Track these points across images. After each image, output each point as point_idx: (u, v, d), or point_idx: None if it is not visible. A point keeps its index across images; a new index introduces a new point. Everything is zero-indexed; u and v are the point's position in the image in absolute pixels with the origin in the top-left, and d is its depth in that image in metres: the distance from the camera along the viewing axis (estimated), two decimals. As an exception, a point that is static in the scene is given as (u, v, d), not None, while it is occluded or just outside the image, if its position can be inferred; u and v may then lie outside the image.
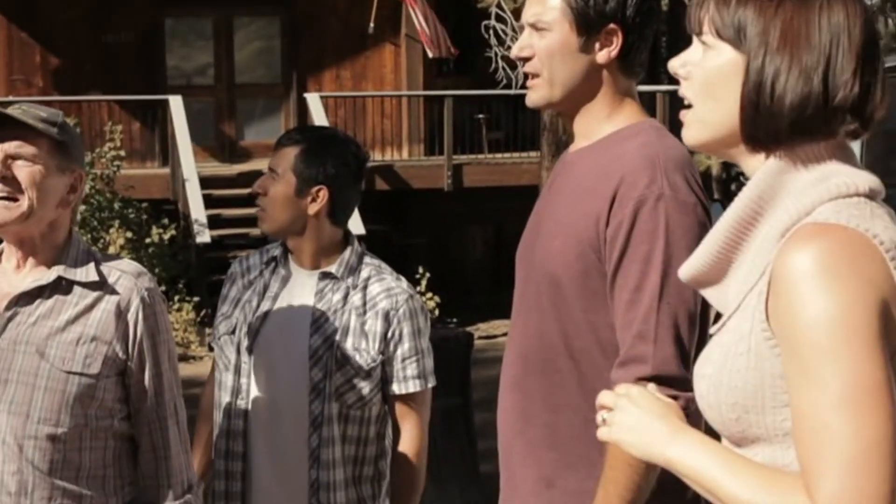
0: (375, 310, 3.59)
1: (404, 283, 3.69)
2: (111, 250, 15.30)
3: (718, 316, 2.04)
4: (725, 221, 1.98)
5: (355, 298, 3.60)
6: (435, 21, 17.69)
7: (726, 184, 23.62)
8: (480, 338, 14.93)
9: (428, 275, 17.48)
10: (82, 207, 15.30)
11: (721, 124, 1.98)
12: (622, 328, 2.72)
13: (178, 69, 20.31)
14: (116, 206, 15.88)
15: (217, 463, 3.64)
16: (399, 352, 3.60)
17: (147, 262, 15.59)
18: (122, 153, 16.44)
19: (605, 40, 2.85)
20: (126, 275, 3.04)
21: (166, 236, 15.91)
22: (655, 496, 2.71)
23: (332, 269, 3.63)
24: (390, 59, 20.07)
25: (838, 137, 1.93)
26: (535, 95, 2.93)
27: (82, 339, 2.99)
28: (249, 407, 3.61)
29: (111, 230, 15.46)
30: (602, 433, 2.08)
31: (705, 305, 2.78)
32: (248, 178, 17.58)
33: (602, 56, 2.86)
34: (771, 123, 1.91)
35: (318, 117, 17.83)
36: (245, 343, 3.61)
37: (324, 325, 3.57)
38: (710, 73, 1.98)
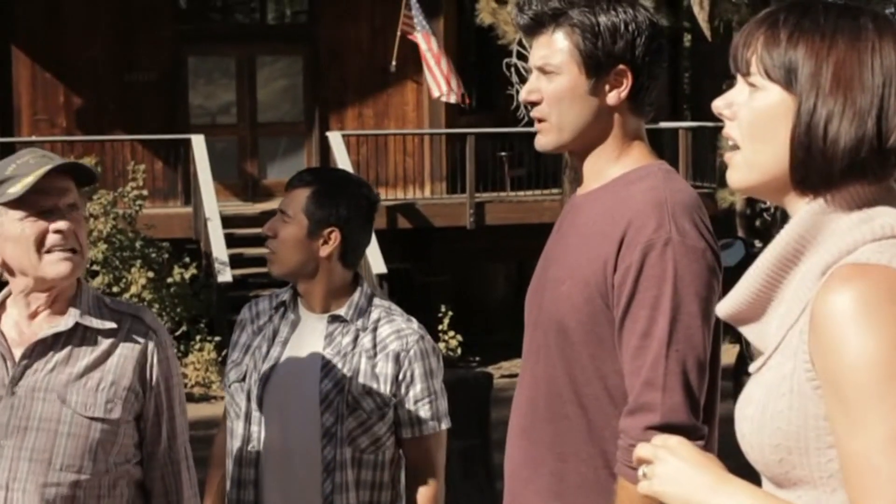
0: (386, 352, 3.55)
1: (415, 324, 3.64)
2: (133, 290, 15.33)
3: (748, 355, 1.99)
4: (766, 259, 1.94)
5: (365, 341, 3.56)
6: (448, 66, 17.69)
7: (751, 220, 23.57)
8: (503, 376, 14.89)
9: (451, 313, 17.46)
10: (104, 247, 15.34)
11: (769, 167, 1.93)
12: (630, 375, 2.67)
13: (201, 107, 20.39)
14: (138, 245, 15.91)
15: None
16: (411, 394, 3.55)
17: (168, 301, 15.61)
18: (145, 192, 16.47)
19: (615, 81, 2.80)
20: (139, 320, 3.07)
21: (188, 275, 15.92)
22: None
23: (342, 311, 3.58)
24: (412, 97, 20.11)
25: (884, 178, 1.89)
26: (545, 140, 2.88)
27: (102, 385, 2.98)
28: (261, 455, 3.56)
29: (132, 270, 15.49)
30: (643, 487, 2.04)
31: (716, 349, 2.73)
32: (271, 216, 17.57)
33: (612, 98, 2.81)
34: (823, 167, 1.87)
35: (340, 155, 17.86)
36: (255, 390, 3.56)
37: (334, 368, 3.53)
38: (758, 115, 1.93)
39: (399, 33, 18.15)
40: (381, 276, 15.90)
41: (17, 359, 2.95)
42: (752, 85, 1.94)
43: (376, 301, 3.66)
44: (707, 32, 19.60)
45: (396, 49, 18.25)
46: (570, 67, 2.80)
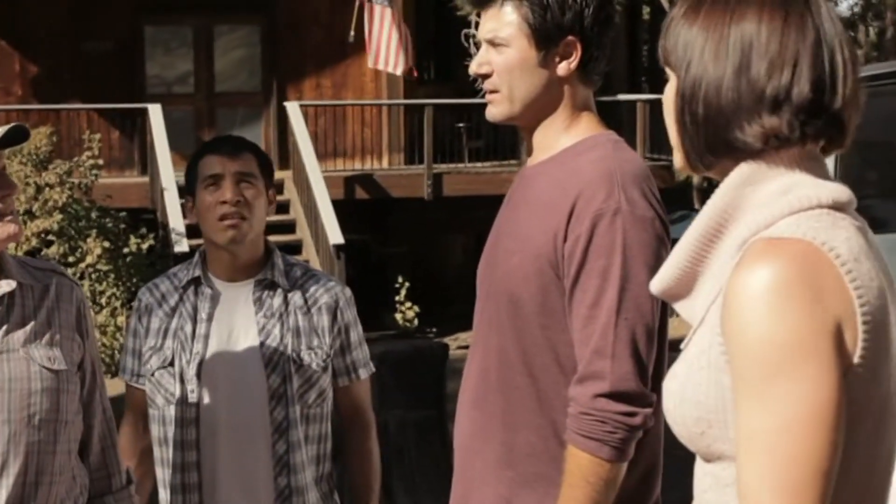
0: (318, 305, 3.62)
1: (332, 276, 3.75)
2: (88, 260, 15.27)
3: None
4: (690, 235, 1.96)
5: (296, 298, 3.61)
6: (400, 38, 17.63)
7: (707, 193, 23.66)
8: (460, 347, 14.89)
9: (407, 284, 17.48)
10: (59, 217, 15.26)
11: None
12: (580, 344, 2.69)
13: (158, 77, 20.27)
14: (94, 215, 15.81)
15: (173, 499, 3.59)
16: (346, 343, 3.67)
17: (125, 271, 15.55)
18: (101, 162, 16.37)
19: (564, 53, 2.81)
20: (61, 275, 3.11)
21: (144, 246, 15.84)
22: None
23: (268, 275, 3.60)
24: (370, 68, 20.04)
25: (806, 148, 1.90)
26: (496, 111, 2.90)
27: (56, 338, 3.00)
28: (201, 434, 3.55)
29: (88, 240, 15.40)
30: None
31: (663, 320, 2.75)
32: (228, 187, 17.52)
33: (562, 69, 2.82)
34: (696, 139, 1.92)
35: (298, 126, 17.80)
36: (191, 370, 3.55)
37: (272, 330, 3.56)
38: (667, 102, 1.99)
39: (357, 4, 18.08)
40: (337, 247, 15.88)
41: None
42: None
43: (290, 259, 3.71)
44: (666, 5, 19.62)
45: (355, 20, 18.15)
46: (520, 40, 2.81)
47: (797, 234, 1.80)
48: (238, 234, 3.54)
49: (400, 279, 17.60)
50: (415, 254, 18.89)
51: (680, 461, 2.63)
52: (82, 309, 3.11)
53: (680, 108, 1.93)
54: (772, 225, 1.85)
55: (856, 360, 1.77)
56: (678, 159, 2.03)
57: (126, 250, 15.70)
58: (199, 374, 3.54)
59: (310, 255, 16.93)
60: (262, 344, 3.54)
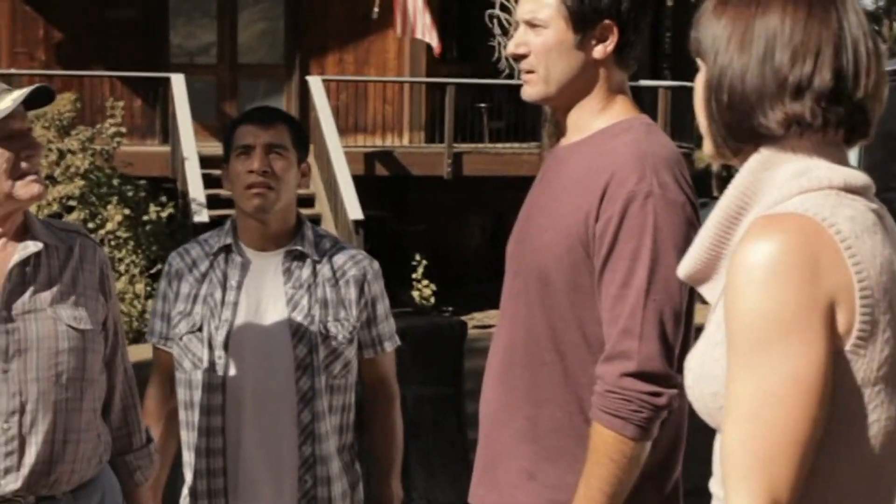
0: (346, 278, 3.66)
1: (361, 250, 3.79)
2: (109, 227, 15.30)
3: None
4: (712, 220, 2.03)
5: (324, 270, 3.65)
6: (425, 13, 17.60)
7: (726, 180, 23.64)
8: (475, 327, 14.92)
9: (425, 262, 17.49)
10: (81, 182, 15.29)
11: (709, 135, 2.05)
12: (608, 323, 2.73)
13: (181, 47, 20.28)
14: (115, 182, 15.83)
15: (197, 462, 3.64)
16: (372, 315, 3.71)
17: (144, 239, 15.59)
18: (123, 129, 16.38)
19: (601, 36, 2.86)
20: (83, 236, 3.15)
21: (164, 214, 15.87)
22: (636, 490, 2.73)
23: (298, 246, 3.65)
24: (393, 45, 20.03)
25: (827, 136, 1.95)
26: (532, 90, 2.93)
27: (81, 298, 3.06)
28: (227, 400, 3.60)
29: (109, 207, 15.43)
30: None
31: (690, 303, 2.79)
32: (248, 159, 17.51)
33: (598, 52, 2.87)
34: (722, 126, 1.99)
35: (320, 100, 17.79)
36: (219, 337, 3.59)
37: (300, 301, 3.60)
38: (697, 92, 2.06)
39: (382, -21, 18.07)
40: (356, 223, 15.90)
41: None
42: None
43: (320, 231, 3.76)
44: (690, -8, 19.56)
45: (379, -5, 18.17)
46: (557, 22, 2.85)
47: (799, 209, 1.86)
48: (264, 202, 3.58)
49: (417, 257, 17.59)
50: (433, 232, 18.90)
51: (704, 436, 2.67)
52: (105, 269, 3.16)
53: (707, 96, 2.00)
54: (781, 204, 1.91)
55: (855, 332, 1.83)
56: (707, 146, 2.09)
57: (146, 218, 15.72)
58: (226, 341, 3.58)
59: (328, 229, 16.87)
60: (289, 314, 3.59)
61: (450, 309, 17.30)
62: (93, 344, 3.07)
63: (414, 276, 17.52)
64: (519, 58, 2.93)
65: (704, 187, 20.19)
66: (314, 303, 3.61)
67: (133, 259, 15.51)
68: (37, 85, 2.96)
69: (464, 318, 15.44)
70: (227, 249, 3.67)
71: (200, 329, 3.62)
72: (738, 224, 1.98)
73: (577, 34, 2.85)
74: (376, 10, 18.12)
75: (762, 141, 1.96)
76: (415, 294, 17.42)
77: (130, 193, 15.88)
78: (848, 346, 1.83)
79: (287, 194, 3.63)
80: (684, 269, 2.08)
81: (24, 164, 2.93)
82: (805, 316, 1.79)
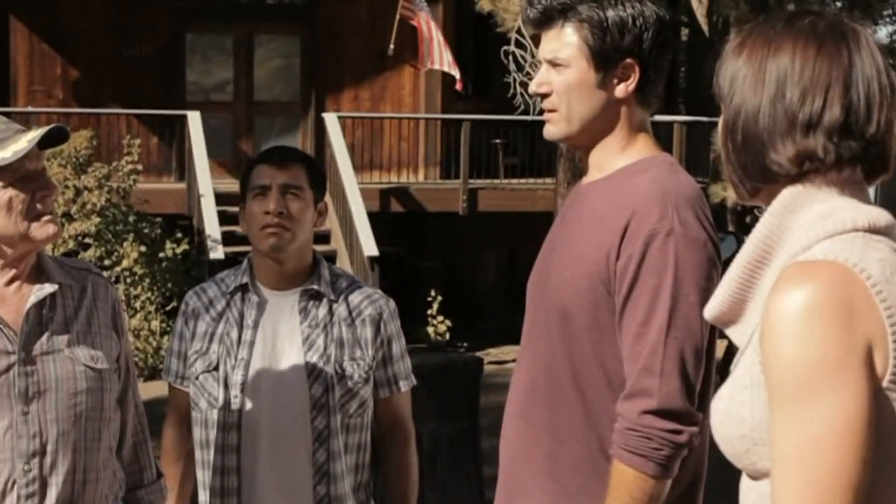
0: (362, 317, 3.66)
1: (377, 289, 3.79)
2: (125, 263, 15.34)
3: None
4: (738, 262, 2.03)
5: (340, 309, 3.65)
6: (445, 45, 17.67)
7: (742, 215, 23.63)
8: (490, 363, 14.91)
9: (440, 298, 17.49)
10: (97, 220, 15.33)
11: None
12: (629, 361, 2.73)
13: (198, 84, 20.36)
14: (131, 219, 15.88)
15: (212, 501, 3.62)
16: (388, 355, 3.70)
17: (160, 276, 15.62)
18: (139, 167, 16.45)
19: (623, 75, 2.87)
20: (95, 274, 3.16)
21: (179, 251, 15.91)
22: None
23: (314, 285, 3.64)
24: (409, 81, 20.10)
25: (844, 174, 1.96)
26: (554, 129, 2.94)
27: (96, 338, 3.06)
28: (243, 439, 3.59)
29: (125, 244, 15.47)
30: None
31: (711, 341, 2.79)
32: (264, 195, 17.55)
33: (620, 90, 2.88)
34: (738, 166, 2.00)
35: (336, 137, 17.84)
36: (235, 376, 3.59)
37: (316, 340, 3.60)
38: (721, 133, 2.05)
39: (398, 17, 18.15)
40: (372, 259, 15.91)
41: (15, 327, 2.97)
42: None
43: (336, 270, 3.76)
44: (704, 27, 19.63)
45: (395, 33, 18.24)
46: (579, 61, 2.87)
47: (829, 256, 1.86)
48: (279, 242, 3.58)
49: (433, 293, 17.60)
50: (448, 268, 18.91)
51: (722, 475, 2.66)
52: (117, 307, 3.16)
53: (724, 137, 2.02)
54: (809, 249, 1.91)
55: (888, 376, 1.82)
56: (733, 190, 2.11)
57: (162, 255, 15.77)
58: (243, 380, 3.58)
59: (344, 265, 16.95)
60: (305, 353, 3.58)
61: (465, 345, 17.30)
62: (109, 383, 3.07)
63: (429, 312, 17.52)
64: (541, 97, 2.94)
65: (720, 222, 20.18)
66: (330, 342, 3.60)
67: (149, 296, 15.54)
68: (52, 125, 2.97)
69: (479, 353, 15.43)
70: (243, 289, 3.67)
71: (217, 368, 3.62)
72: (764, 268, 1.98)
73: (599, 73, 2.86)
74: (392, 47, 18.18)
75: (777, 178, 1.97)
76: (430, 330, 17.42)
77: (146, 230, 15.92)
78: (883, 387, 1.83)
79: (303, 234, 3.63)
80: (711, 311, 2.08)
81: (39, 206, 2.94)
82: (846, 360, 1.79)
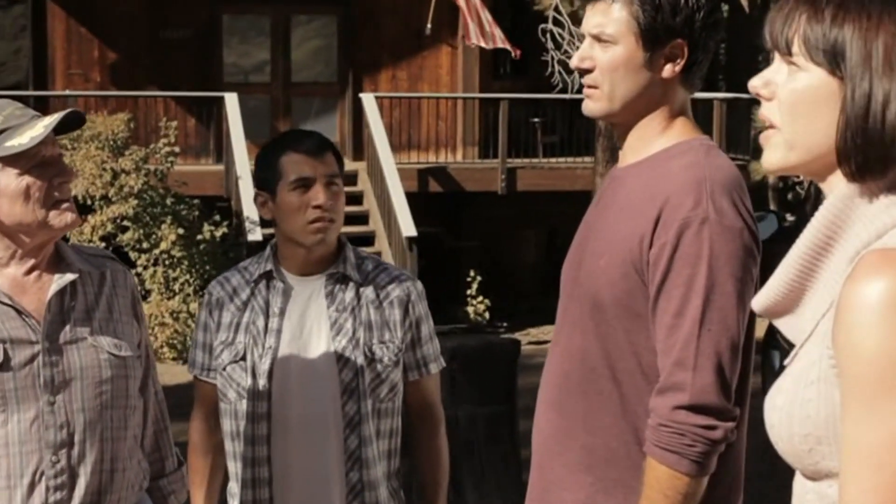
0: (390, 299, 3.60)
1: (404, 270, 3.67)
2: (163, 246, 15.36)
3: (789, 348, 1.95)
4: (798, 249, 1.89)
5: (367, 292, 3.58)
6: (490, 20, 17.54)
7: (783, 193, 23.45)
8: (530, 343, 14.86)
9: (479, 278, 17.45)
10: (134, 202, 15.35)
11: (812, 149, 1.87)
12: (662, 354, 2.65)
13: (235, 66, 20.36)
14: (169, 202, 15.90)
15: (243, 493, 3.57)
16: (416, 337, 3.65)
17: (198, 258, 15.63)
18: (177, 149, 16.46)
19: (671, 55, 2.76)
20: (113, 261, 3.14)
21: (218, 233, 15.91)
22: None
23: (341, 268, 3.58)
24: (447, 61, 20.03)
25: None
26: (595, 106, 2.83)
27: (118, 325, 3.04)
28: (272, 429, 3.54)
29: (163, 226, 15.49)
30: None
31: (749, 334, 2.69)
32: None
33: (667, 71, 2.77)
34: (883, 152, 1.80)
35: (373, 118, 17.81)
36: (263, 365, 3.53)
37: (344, 325, 3.54)
38: (800, 96, 1.86)
39: (436, -5, 18.06)
40: (410, 239, 15.87)
41: (38, 317, 2.94)
42: (792, 64, 1.87)
43: (362, 253, 3.69)
44: (745, 3, 19.44)
45: (432, 12, 18.15)
46: (627, 38, 2.75)
47: None
48: (327, 236, 3.54)
49: (472, 273, 17.56)
50: (487, 248, 18.87)
51: (761, 477, 2.57)
52: (135, 294, 3.15)
53: (859, 117, 1.82)
54: (883, 236, 1.79)
55: None
56: (777, 157, 1.92)
57: (200, 237, 15.77)
58: (271, 369, 3.52)
59: (382, 246, 16.94)
60: (334, 338, 3.52)
61: (504, 325, 17.25)
62: (133, 370, 3.05)
63: (468, 292, 17.48)
64: (582, 72, 2.82)
65: (761, 200, 20.03)
66: (358, 326, 3.54)
67: (187, 278, 15.55)
68: (68, 110, 2.91)
69: (518, 333, 15.40)
70: (268, 276, 3.60)
71: (244, 358, 3.56)
72: (827, 255, 1.86)
73: (647, 52, 2.75)
74: (429, 26, 18.10)
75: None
76: (469, 310, 17.38)
77: (184, 212, 15.94)
78: None
79: (342, 222, 3.59)
80: (762, 301, 1.96)
81: (56, 193, 2.90)
82: None
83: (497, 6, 19.54)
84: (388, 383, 3.57)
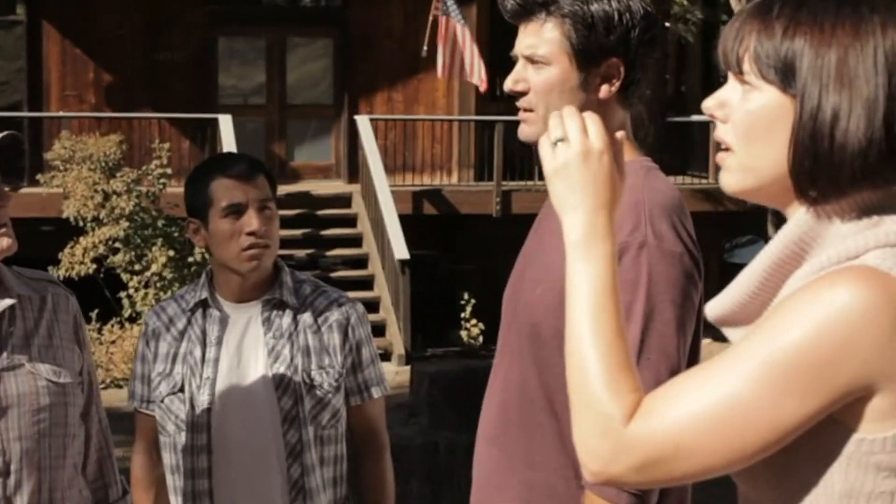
0: (329, 323, 3.51)
1: (344, 293, 3.63)
2: (154, 268, 15.34)
3: None
4: (762, 261, 1.79)
5: (305, 317, 3.50)
6: (473, 52, 17.50)
7: (781, 217, 23.30)
8: (523, 367, 14.75)
9: (473, 301, 17.38)
10: (125, 224, 15.32)
11: (767, 171, 1.78)
12: None
13: (231, 88, 20.35)
14: (160, 224, 15.86)
15: None
16: (357, 361, 3.56)
17: (189, 280, 15.57)
18: (168, 171, 16.42)
19: (606, 74, 2.66)
20: (55, 284, 3.06)
21: (209, 255, 15.84)
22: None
23: (277, 294, 3.49)
24: (442, 83, 19.98)
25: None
26: (529, 131, 2.76)
27: (58, 351, 2.97)
28: (213, 461, 3.46)
29: (154, 248, 15.45)
30: (546, 161, 2.07)
31: (693, 357, 2.60)
32: (297, 199, 17.55)
33: (603, 91, 2.67)
34: (832, 173, 1.70)
35: (368, 140, 17.78)
36: (202, 396, 3.44)
37: (282, 351, 3.45)
38: (754, 117, 1.77)
39: (431, 19, 18.03)
40: (403, 262, 15.81)
41: None
42: (745, 83, 1.78)
43: (300, 276, 3.60)
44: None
45: (428, 34, 18.12)
46: (561, 59, 2.66)
47: (883, 267, 1.65)
48: (262, 262, 3.45)
49: (466, 296, 17.50)
50: (482, 271, 18.76)
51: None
52: (78, 318, 3.06)
53: (807, 137, 1.73)
54: (858, 257, 1.69)
55: None
56: (734, 180, 1.84)
57: (191, 259, 15.75)
58: (210, 400, 3.44)
59: (375, 269, 16.89)
60: (272, 365, 3.44)
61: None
62: (73, 398, 2.98)
63: (462, 315, 17.41)
64: (517, 94, 2.74)
65: (757, 224, 19.94)
66: (296, 352, 3.45)
67: (178, 301, 15.49)
68: (3, 133, 2.84)
69: (512, 358, 15.26)
70: (203, 304, 3.51)
71: (182, 389, 3.47)
72: (792, 269, 1.76)
73: (582, 72, 2.65)
74: (425, 48, 18.07)
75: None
76: (463, 333, 17.31)
77: (175, 234, 15.90)
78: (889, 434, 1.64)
79: (277, 246, 3.51)
80: (718, 309, 1.86)
81: None
82: (848, 371, 1.61)
83: (493, 29, 19.51)
84: (329, 409, 3.48)
